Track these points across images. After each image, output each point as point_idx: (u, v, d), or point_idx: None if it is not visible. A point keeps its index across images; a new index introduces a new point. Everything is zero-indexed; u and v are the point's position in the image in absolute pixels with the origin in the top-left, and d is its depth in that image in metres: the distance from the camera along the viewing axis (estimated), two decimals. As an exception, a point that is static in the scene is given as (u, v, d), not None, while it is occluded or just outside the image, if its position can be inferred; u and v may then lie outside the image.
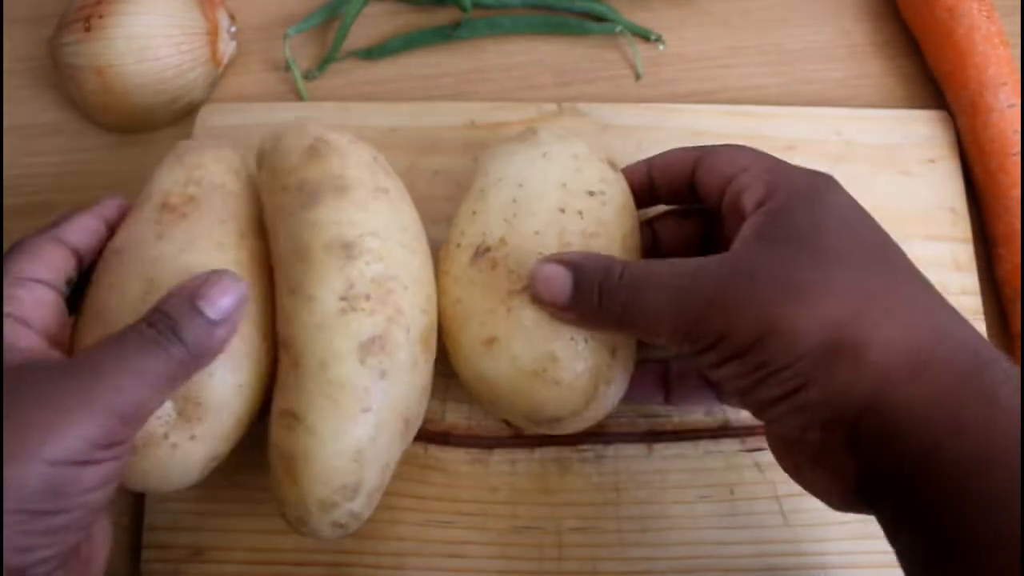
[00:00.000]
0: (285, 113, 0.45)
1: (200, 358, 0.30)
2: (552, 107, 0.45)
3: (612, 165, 0.37)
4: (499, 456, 0.38)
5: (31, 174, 0.46)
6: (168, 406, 0.31)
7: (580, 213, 0.35)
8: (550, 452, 0.38)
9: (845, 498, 0.28)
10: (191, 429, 0.32)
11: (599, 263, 0.32)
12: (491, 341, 0.33)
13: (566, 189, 0.35)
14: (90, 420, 0.27)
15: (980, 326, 0.41)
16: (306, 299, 0.31)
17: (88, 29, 0.43)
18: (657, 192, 0.37)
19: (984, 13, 0.45)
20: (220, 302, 0.30)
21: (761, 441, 0.38)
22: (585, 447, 0.38)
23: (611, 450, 0.38)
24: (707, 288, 0.29)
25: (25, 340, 0.30)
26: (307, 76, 0.48)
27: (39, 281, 0.32)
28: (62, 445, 0.26)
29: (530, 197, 0.35)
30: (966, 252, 0.42)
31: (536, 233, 0.34)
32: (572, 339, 0.33)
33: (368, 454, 0.31)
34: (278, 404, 0.32)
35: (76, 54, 0.43)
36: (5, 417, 0.26)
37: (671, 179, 0.36)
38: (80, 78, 0.44)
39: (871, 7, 0.50)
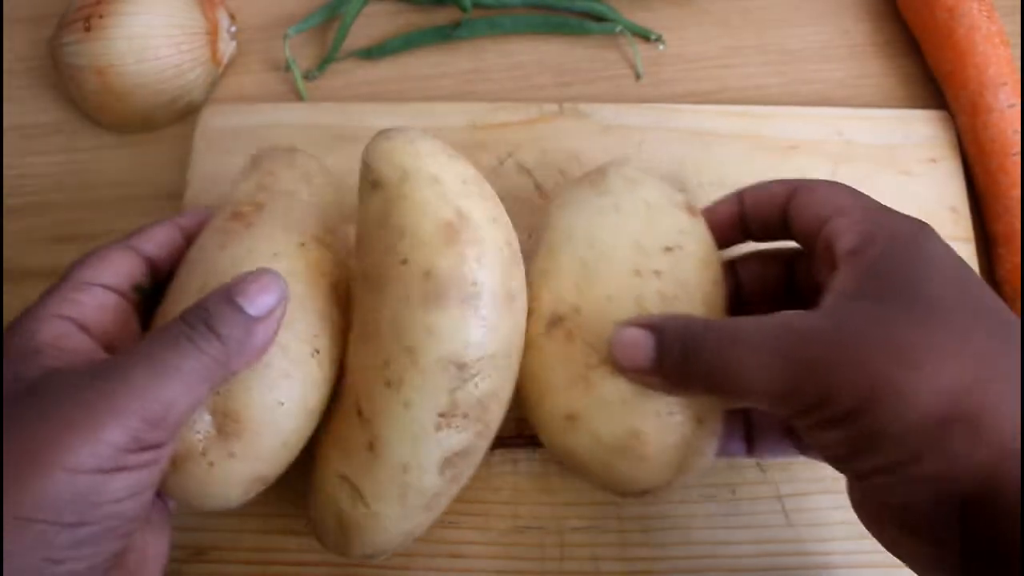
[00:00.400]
0: (286, 114, 0.45)
1: (238, 356, 0.29)
2: (553, 107, 0.45)
3: (690, 209, 0.35)
4: (501, 456, 0.38)
5: (31, 174, 0.46)
6: (207, 420, 0.30)
7: (657, 273, 0.32)
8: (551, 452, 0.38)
9: (944, 572, 0.27)
10: (229, 446, 0.30)
11: (682, 322, 0.30)
12: (572, 417, 0.31)
13: (640, 247, 0.33)
14: (115, 423, 0.25)
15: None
16: (403, 403, 0.30)
17: (88, 29, 0.43)
18: (749, 227, 0.35)
19: (984, 13, 0.45)
20: (259, 298, 0.29)
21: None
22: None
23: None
24: (805, 348, 0.27)
25: (74, 342, 0.29)
26: (307, 76, 0.48)
27: (103, 286, 0.31)
28: (86, 451, 0.25)
29: (601, 258, 0.33)
30: (967, 251, 0.42)
31: (609, 299, 0.32)
32: (657, 413, 0.31)
33: (418, 531, 0.33)
34: (340, 466, 0.31)
35: (76, 54, 0.43)
36: (24, 424, 0.25)
37: (764, 214, 0.34)
38: (80, 78, 0.44)
39: (871, 7, 0.51)
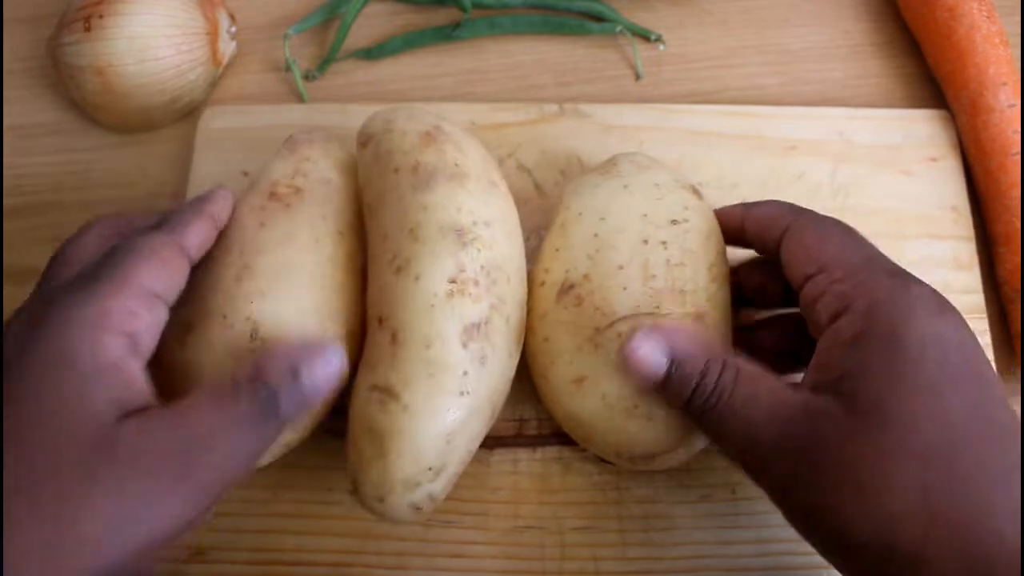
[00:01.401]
0: (287, 115, 0.45)
1: (287, 427, 0.29)
2: (553, 107, 0.45)
3: (695, 192, 0.36)
4: (500, 455, 0.38)
5: (31, 174, 0.46)
6: None
7: (664, 243, 0.34)
8: (552, 452, 0.38)
9: None
10: None
11: (700, 361, 0.30)
12: (580, 380, 0.33)
13: (648, 219, 0.34)
14: (181, 502, 0.25)
15: (981, 325, 0.41)
16: (414, 278, 0.32)
17: (88, 29, 0.43)
18: (748, 243, 0.36)
19: (984, 13, 0.45)
20: (321, 377, 0.29)
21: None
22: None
23: (613, 450, 0.38)
24: (783, 439, 0.28)
25: (130, 370, 0.27)
26: (307, 76, 0.48)
27: (165, 301, 0.29)
28: (144, 529, 0.25)
29: (612, 230, 0.34)
30: (967, 251, 0.42)
31: (620, 268, 0.33)
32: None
33: (458, 438, 0.31)
34: (368, 379, 0.32)
35: (76, 54, 0.43)
36: (83, 490, 0.24)
37: (763, 239, 0.34)
38: (80, 78, 0.44)
39: (871, 7, 0.51)
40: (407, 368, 0.31)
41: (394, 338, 0.31)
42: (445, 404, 0.31)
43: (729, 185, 0.43)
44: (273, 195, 0.35)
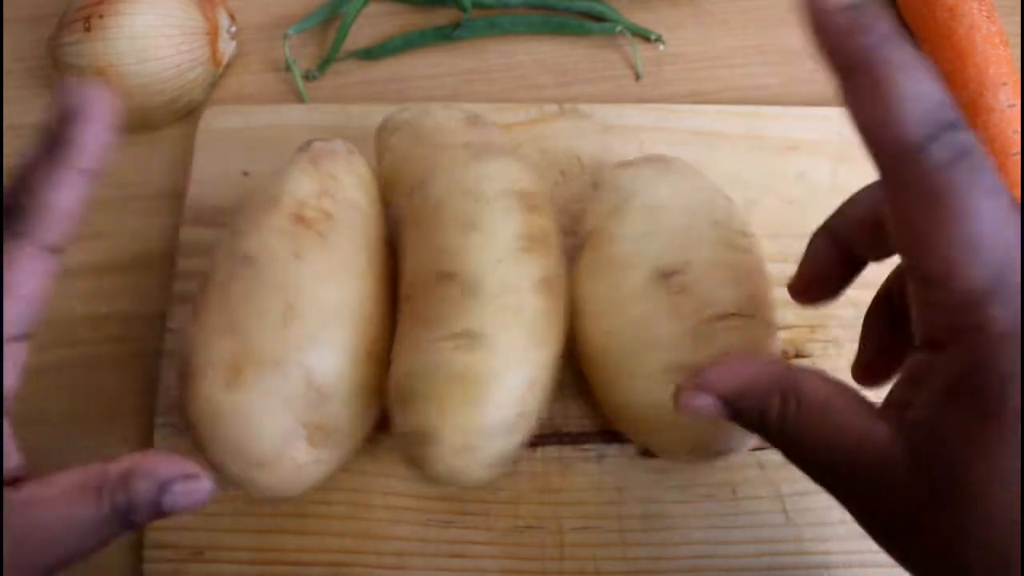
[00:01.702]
0: (287, 115, 0.45)
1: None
2: (553, 107, 0.45)
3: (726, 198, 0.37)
4: (501, 456, 0.38)
5: (31, 174, 0.46)
6: (301, 432, 0.32)
7: (743, 250, 0.35)
8: (552, 451, 0.38)
9: None
10: (317, 453, 0.33)
11: (758, 396, 0.27)
12: (680, 368, 0.32)
13: (716, 221, 0.35)
14: None
15: None
16: (487, 234, 0.32)
17: (88, 29, 0.43)
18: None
19: (984, 13, 0.45)
20: (183, 504, 0.27)
21: (763, 440, 0.38)
22: (587, 446, 0.38)
23: (613, 449, 0.38)
24: (849, 477, 0.25)
25: (7, 457, 0.26)
26: (307, 76, 0.48)
27: (21, 337, 0.26)
28: None
29: (704, 225, 0.35)
30: (967, 251, 0.42)
31: (715, 264, 0.34)
32: None
33: (537, 388, 0.32)
34: (440, 331, 0.31)
35: (76, 54, 0.43)
36: None
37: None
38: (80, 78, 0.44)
39: (871, 7, 0.51)
40: (490, 312, 0.31)
41: (469, 289, 0.31)
42: (530, 349, 0.31)
43: (727, 186, 0.43)
44: (300, 219, 0.34)
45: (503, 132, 0.38)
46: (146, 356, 0.41)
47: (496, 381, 0.30)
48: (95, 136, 0.25)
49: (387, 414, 0.33)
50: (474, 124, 0.37)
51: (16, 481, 0.26)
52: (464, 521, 0.37)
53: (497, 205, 0.33)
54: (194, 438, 0.32)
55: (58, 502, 0.26)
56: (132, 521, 0.26)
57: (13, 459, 0.27)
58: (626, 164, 0.38)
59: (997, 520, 0.23)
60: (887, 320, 0.31)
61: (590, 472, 0.38)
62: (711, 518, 0.37)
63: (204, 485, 0.27)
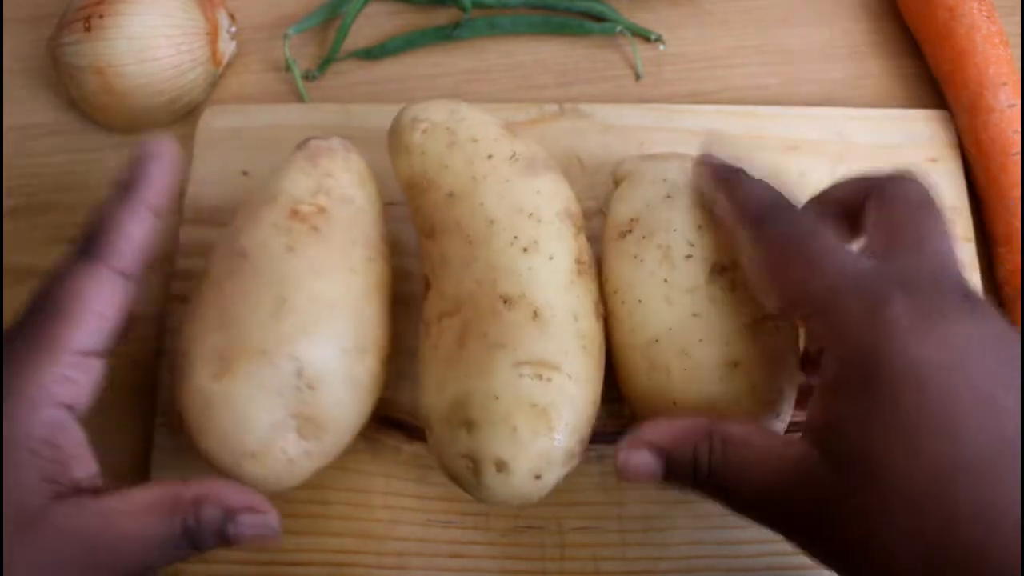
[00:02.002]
0: (287, 115, 0.45)
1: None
2: (553, 107, 0.45)
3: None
4: (500, 456, 0.38)
5: (31, 174, 0.46)
6: (291, 424, 0.32)
7: None
8: (552, 452, 0.38)
9: None
10: (307, 446, 0.33)
11: (688, 447, 0.29)
12: (735, 364, 0.32)
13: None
14: None
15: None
16: (548, 257, 0.33)
17: (88, 29, 0.43)
18: None
19: (984, 13, 0.45)
20: (249, 534, 0.29)
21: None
22: (588, 446, 0.38)
23: (613, 449, 0.38)
24: (780, 503, 0.28)
25: (69, 443, 0.27)
26: (307, 76, 0.48)
27: (99, 355, 0.29)
28: None
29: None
30: (968, 251, 0.42)
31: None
32: (796, 377, 0.34)
33: (595, 411, 0.33)
34: (507, 358, 0.31)
35: (76, 54, 0.43)
36: None
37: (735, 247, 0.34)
38: (80, 78, 0.44)
39: (871, 7, 0.51)
40: (563, 340, 0.32)
41: (536, 314, 0.32)
42: (597, 373, 0.33)
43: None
44: (296, 213, 0.34)
45: (534, 143, 0.38)
46: (146, 356, 0.41)
47: (570, 411, 0.31)
48: (161, 178, 0.31)
49: (380, 413, 0.34)
50: (513, 133, 0.37)
51: (93, 490, 0.27)
52: (464, 521, 0.37)
53: (554, 227, 0.34)
54: (186, 430, 0.32)
55: (133, 516, 0.27)
56: (198, 545, 0.28)
57: (90, 468, 0.28)
58: (654, 157, 0.38)
59: (904, 482, 0.25)
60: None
61: (590, 472, 0.38)
62: (711, 518, 0.37)
63: (270, 520, 0.29)
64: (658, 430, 0.30)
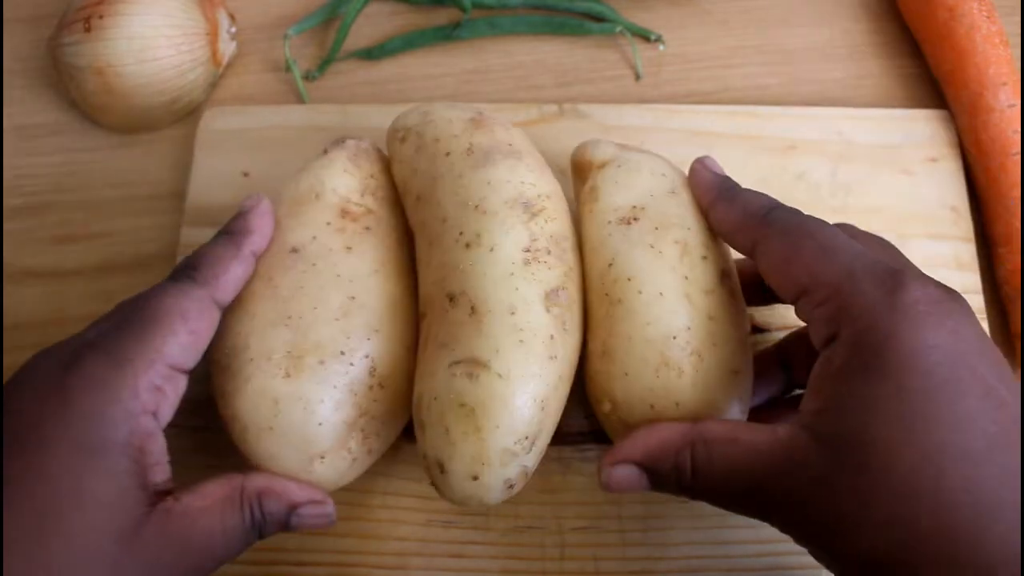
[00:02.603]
0: (288, 115, 0.46)
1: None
2: (553, 108, 0.45)
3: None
4: (501, 456, 0.38)
5: (31, 174, 0.46)
6: (360, 423, 0.33)
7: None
8: (552, 451, 0.38)
9: None
10: (369, 444, 0.33)
11: (670, 455, 0.29)
12: (735, 372, 0.32)
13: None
14: None
15: (982, 325, 0.41)
16: (488, 249, 0.32)
17: (88, 29, 0.43)
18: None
19: (984, 13, 0.45)
20: (308, 524, 0.31)
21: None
22: (587, 446, 0.38)
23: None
24: (768, 492, 0.28)
25: (152, 453, 0.28)
26: (307, 76, 0.48)
27: (185, 371, 0.30)
28: None
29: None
30: (968, 251, 0.42)
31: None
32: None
33: (550, 404, 0.31)
34: (446, 358, 0.31)
35: (76, 54, 0.43)
36: None
37: (735, 246, 0.33)
38: (80, 78, 0.44)
39: (871, 7, 0.51)
40: (494, 336, 0.30)
41: (473, 310, 0.31)
42: (537, 368, 0.30)
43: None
44: (347, 213, 0.35)
45: (508, 127, 0.37)
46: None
47: (502, 408, 0.30)
48: (264, 230, 0.33)
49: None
50: (479, 125, 0.36)
51: (168, 492, 0.29)
52: (464, 521, 0.37)
53: (498, 218, 0.32)
54: (237, 432, 0.32)
55: (212, 512, 0.29)
56: (263, 534, 0.30)
57: (167, 472, 0.29)
58: (628, 147, 0.37)
59: (897, 465, 0.25)
60: (778, 369, 0.36)
61: (590, 472, 0.38)
62: (711, 518, 0.37)
63: (329, 509, 0.31)
64: (637, 444, 0.30)
